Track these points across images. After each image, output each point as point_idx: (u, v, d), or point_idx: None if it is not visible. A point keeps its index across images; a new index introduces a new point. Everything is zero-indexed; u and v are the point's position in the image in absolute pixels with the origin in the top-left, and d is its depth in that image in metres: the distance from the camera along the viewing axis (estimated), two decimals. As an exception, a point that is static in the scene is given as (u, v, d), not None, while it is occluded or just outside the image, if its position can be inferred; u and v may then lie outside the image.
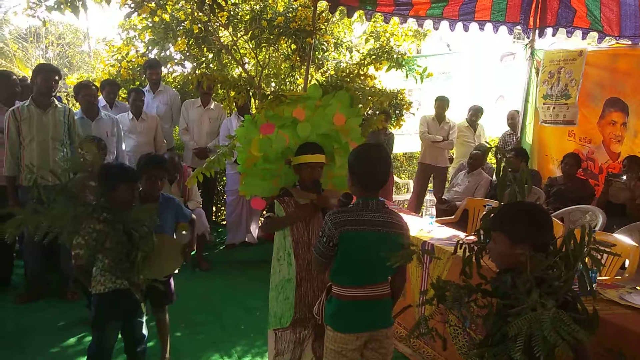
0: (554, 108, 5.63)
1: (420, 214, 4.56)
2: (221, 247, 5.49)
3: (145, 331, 2.61)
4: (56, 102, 3.88)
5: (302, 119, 2.48)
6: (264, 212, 2.60)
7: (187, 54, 6.11)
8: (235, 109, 5.41)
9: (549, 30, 5.45)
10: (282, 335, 2.49)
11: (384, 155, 2.07)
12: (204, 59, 6.22)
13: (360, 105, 2.64)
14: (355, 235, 1.96)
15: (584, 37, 5.24)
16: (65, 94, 7.25)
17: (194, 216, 3.09)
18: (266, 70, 6.36)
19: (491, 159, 6.10)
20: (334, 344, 2.01)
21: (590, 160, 5.35)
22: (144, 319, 2.58)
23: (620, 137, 5.11)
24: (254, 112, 2.88)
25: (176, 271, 2.82)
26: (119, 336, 2.55)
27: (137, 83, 6.08)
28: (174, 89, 5.93)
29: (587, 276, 1.50)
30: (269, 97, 2.47)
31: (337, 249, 1.98)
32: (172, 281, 2.88)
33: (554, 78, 5.60)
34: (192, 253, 4.76)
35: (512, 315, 1.46)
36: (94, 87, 4.58)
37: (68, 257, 2.48)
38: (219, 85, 5.35)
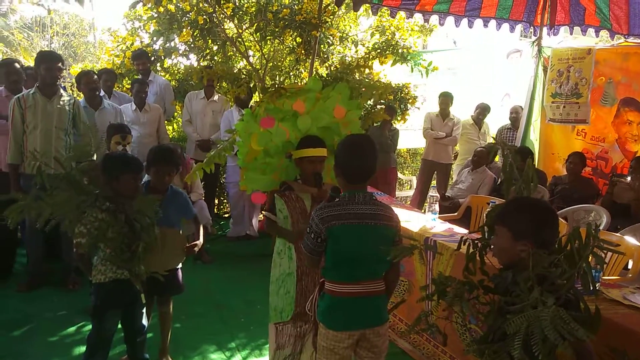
0: (564, 107, 5.54)
1: (422, 211, 4.54)
2: (223, 240, 5.49)
3: (145, 322, 2.61)
4: (62, 91, 3.87)
5: (302, 112, 2.45)
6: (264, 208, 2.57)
7: (192, 45, 6.08)
8: (233, 103, 5.35)
9: (563, 29, 5.40)
10: (283, 329, 2.48)
11: (368, 145, 2.00)
12: (208, 50, 6.20)
13: (361, 97, 2.60)
14: (342, 229, 1.91)
15: (597, 35, 5.20)
16: (70, 84, 7.24)
17: (198, 216, 3.05)
18: (271, 63, 6.33)
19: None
20: (325, 341, 1.97)
21: (602, 160, 5.30)
22: (144, 309, 2.58)
23: (637, 137, 5.06)
24: (253, 105, 2.85)
25: (179, 265, 2.82)
26: (119, 326, 2.56)
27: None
28: (164, 78, 5.86)
29: (590, 275, 1.49)
30: (269, 90, 2.44)
31: (326, 244, 1.94)
32: (179, 272, 2.87)
33: (563, 76, 5.54)
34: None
35: (512, 312, 1.44)
36: (95, 75, 4.56)
37: (70, 245, 2.47)
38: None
